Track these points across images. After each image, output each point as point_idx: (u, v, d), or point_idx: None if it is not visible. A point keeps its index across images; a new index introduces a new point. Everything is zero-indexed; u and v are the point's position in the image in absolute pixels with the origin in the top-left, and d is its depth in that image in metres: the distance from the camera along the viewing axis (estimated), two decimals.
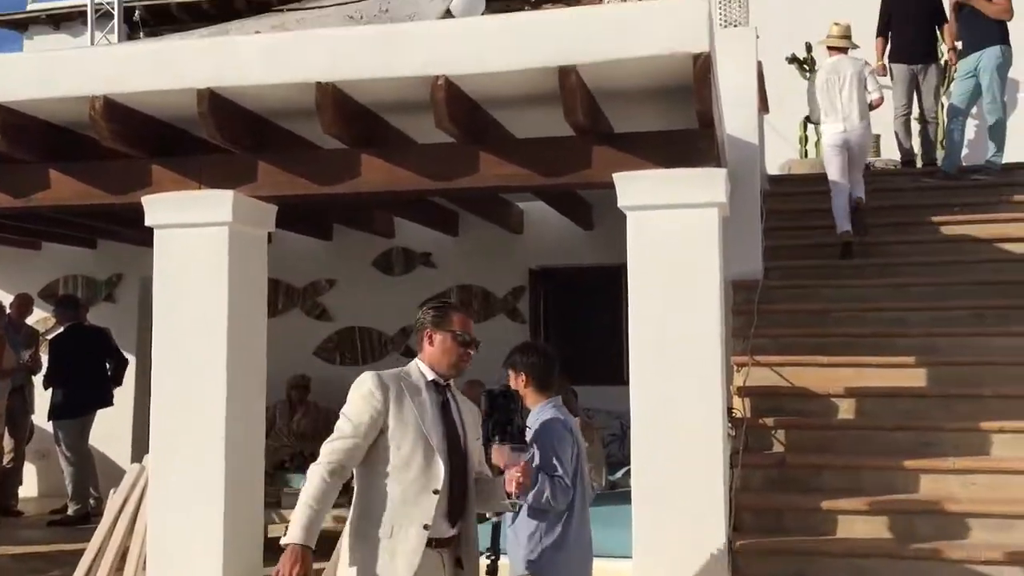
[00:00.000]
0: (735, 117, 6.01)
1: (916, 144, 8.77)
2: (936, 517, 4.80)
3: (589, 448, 5.48)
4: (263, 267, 5.27)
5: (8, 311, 7.90)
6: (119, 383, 7.91)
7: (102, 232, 8.34)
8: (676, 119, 4.57)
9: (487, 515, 3.54)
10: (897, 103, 8.54)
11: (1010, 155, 7.90)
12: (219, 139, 4.72)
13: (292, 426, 7.80)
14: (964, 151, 8.20)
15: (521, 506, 3.60)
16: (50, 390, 7.60)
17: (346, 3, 6.53)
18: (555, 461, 3.65)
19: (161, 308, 4.94)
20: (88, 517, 7.29)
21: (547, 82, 4.21)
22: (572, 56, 4.07)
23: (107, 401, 7.72)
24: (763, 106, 7.23)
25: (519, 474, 3.21)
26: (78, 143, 5.14)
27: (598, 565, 3.91)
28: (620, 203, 4.42)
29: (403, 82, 4.38)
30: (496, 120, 4.83)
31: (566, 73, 4.09)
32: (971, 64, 7.83)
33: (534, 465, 3.67)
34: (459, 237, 8.39)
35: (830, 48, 7.44)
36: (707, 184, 4.31)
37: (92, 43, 11.52)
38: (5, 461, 7.57)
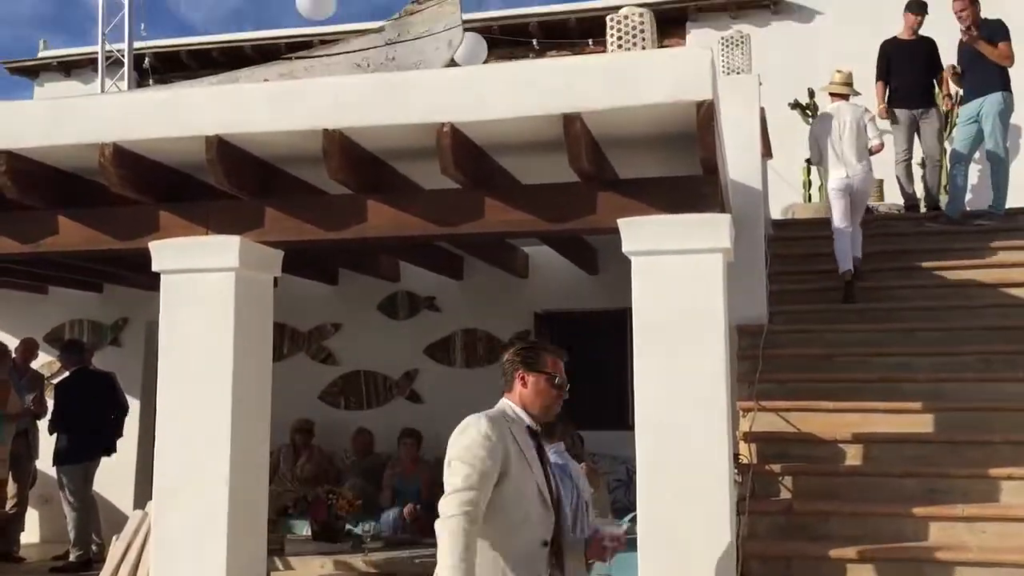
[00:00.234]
0: (739, 162, 6.07)
1: (919, 188, 8.81)
2: (946, 566, 4.74)
3: (594, 494, 5.46)
4: (269, 312, 5.28)
5: (13, 355, 7.91)
6: (119, 432, 7.86)
7: (108, 276, 8.37)
8: (680, 165, 4.61)
9: None
10: (898, 148, 8.60)
11: (1013, 200, 7.93)
12: (227, 185, 4.76)
13: (296, 471, 7.77)
14: (968, 196, 8.25)
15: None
16: (54, 435, 7.57)
17: (353, 51, 6.59)
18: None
19: (166, 353, 4.94)
20: (90, 564, 7.22)
21: (552, 129, 4.26)
22: (577, 104, 4.12)
23: (110, 448, 7.68)
24: (766, 151, 7.29)
25: (617, 544, 3.14)
26: (86, 189, 5.19)
27: None
28: (625, 248, 4.43)
29: (409, 129, 4.43)
30: (501, 166, 4.87)
31: (571, 120, 4.13)
32: (973, 110, 7.90)
33: None
34: (464, 281, 8.41)
35: (832, 94, 7.54)
36: (711, 230, 4.33)
37: (102, 90, 11.66)
38: (8, 506, 7.52)
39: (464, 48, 9.94)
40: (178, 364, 4.90)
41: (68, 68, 15.43)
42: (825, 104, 7.92)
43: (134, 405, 8.27)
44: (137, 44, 12.15)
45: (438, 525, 2.88)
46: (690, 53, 4.08)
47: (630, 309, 4.50)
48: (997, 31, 7.83)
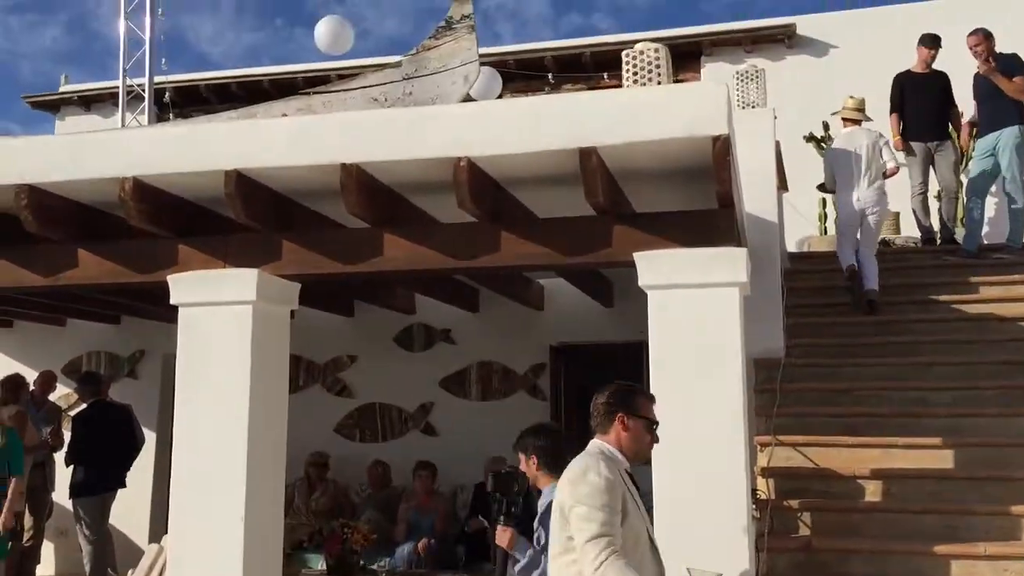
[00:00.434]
0: (754, 196, 6.08)
1: (935, 221, 8.79)
2: None
3: None
4: (286, 345, 5.30)
5: (31, 388, 7.95)
6: (128, 466, 7.85)
7: (126, 308, 8.43)
8: (696, 199, 4.61)
9: None
10: (914, 181, 8.59)
11: None
12: (245, 219, 4.79)
13: (311, 504, 7.74)
14: (985, 229, 8.21)
15: None
16: (71, 467, 7.57)
17: (371, 86, 6.65)
18: None
19: (183, 385, 4.96)
20: None
21: (568, 163, 4.28)
22: (593, 138, 4.14)
23: (123, 482, 7.67)
24: (782, 184, 7.31)
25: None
26: (106, 223, 5.24)
27: None
28: (641, 282, 4.43)
29: (426, 163, 4.45)
30: (518, 200, 4.89)
31: (587, 155, 4.15)
32: (989, 143, 7.89)
33: (539, 546, 3.64)
34: (479, 313, 8.41)
35: (845, 120, 7.62)
36: (728, 264, 4.32)
37: (123, 124, 11.80)
38: (24, 539, 7.50)
39: (479, 82, 10.02)
40: (195, 396, 4.92)
41: (89, 102, 15.62)
42: (839, 130, 7.95)
43: (150, 437, 8.29)
44: (157, 78, 12.30)
45: (601, 569, 2.81)
46: (706, 88, 4.10)
47: (646, 342, 4.49)
48: (1013, 65, 7.85)
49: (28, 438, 7.28)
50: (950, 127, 8.68)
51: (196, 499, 4.80)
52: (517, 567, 3.94)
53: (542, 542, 3.63)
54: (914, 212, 8.73)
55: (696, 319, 4.33)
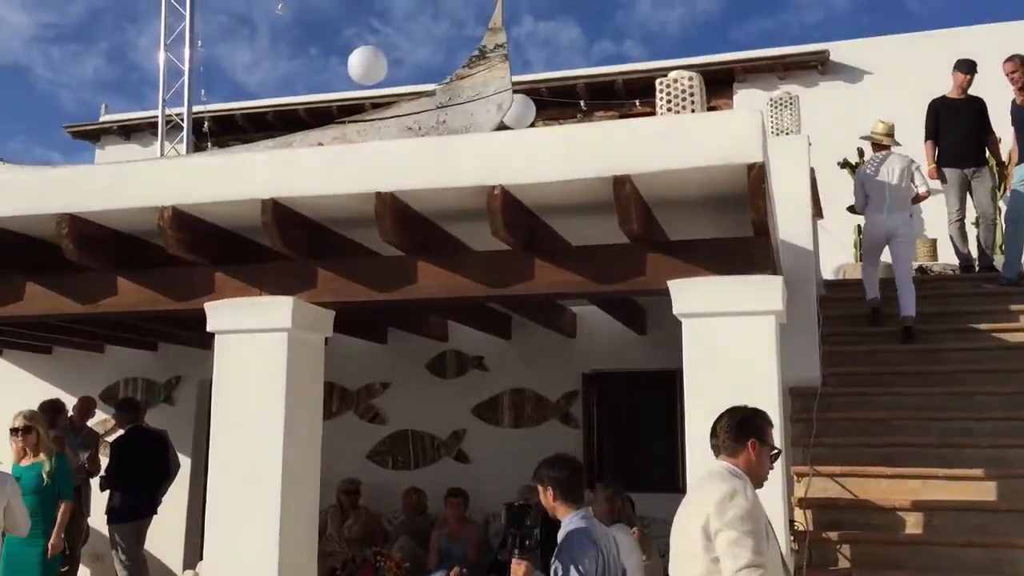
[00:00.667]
0: (789, 223, 6.04)
1: (973, 248, 8.67)
2: None
3: (647, 562, 5.37)
4: (320, 372, 5.33)
5: (70, 413, 8.03)
6: (163, 492, 7.89)
7: (162, 335, 8.52)
8: (730, 227, 4.59)
9: None
10: (950, 208, 8.50)
11: None
12: (281, 247, 4.84)
13: (344, 532, 7.72)
14: None
15: None
16: (106, 492, 7.63)
17: (405, 115, 6.72)
18: (573, 570, 3.59)
19: (219, 412, 5.00)
20: None
21: (602, 191, 4.27)
22: (627, 166, 4.14)
23: (155, 508, 7.71)
24: (817, 211, 7.25)
25: None
26: (144, 251, 5.31)
27: None
28: (676, 310, 4.41)
29: (460, 192, 4.47)
30: (551, 228, 4.90)
31: (621, 183, 4.15)
32: None
33: None
34: (512, 340, 8.41)
35: (875, 144, 7.60)
36: (764, 292, 4.29)
37: (162, 154, 11.98)
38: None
39: (513, 109, 10.08)
40: (230, 423, 4.95)
41: (128, 132, 15.93)
42: (870, 153, 7.92)
43: (185, 463, 8.34)
44: (195, 108, 12.50)
45: None
46: (740, 115, 4.09)
47: (679, 369, 4.47)
48: None
49: None
50: (987, 153, 8.59)
51: (231, 525, 4.82)
52: None
53: (559, 573, 3.59)
54: (952, 239, 8.62)
55: (731, 347, 4.30)
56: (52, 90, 44.29)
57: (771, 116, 7.10)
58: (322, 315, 5.21)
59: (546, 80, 13.92)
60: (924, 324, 7.08)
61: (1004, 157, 8.74)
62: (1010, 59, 7.90)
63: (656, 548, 5.93)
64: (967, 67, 8.42)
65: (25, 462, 6.08)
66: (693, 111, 5.19)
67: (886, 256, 7.55)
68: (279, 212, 4.69)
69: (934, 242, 10.43)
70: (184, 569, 8.29)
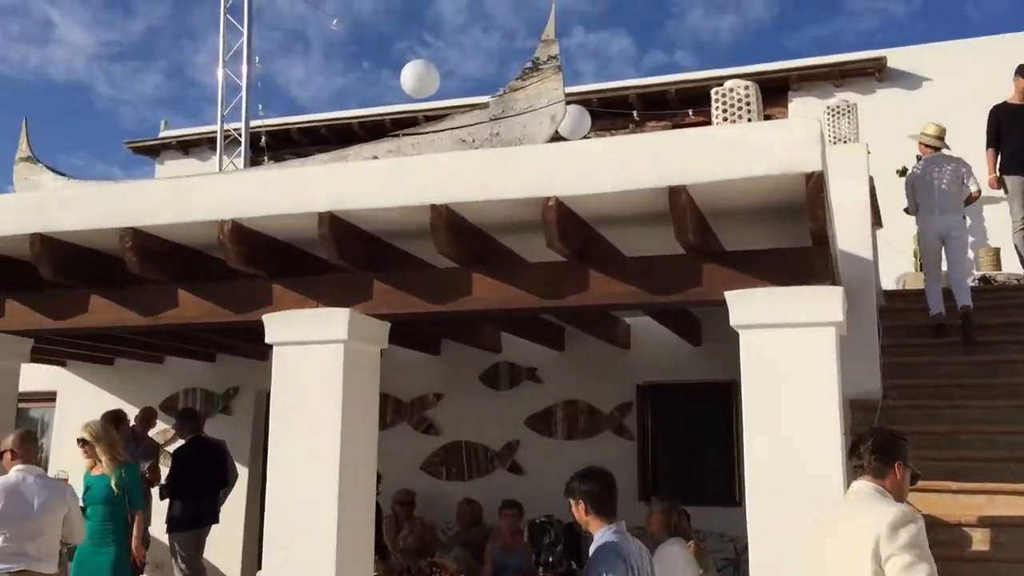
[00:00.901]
0: (848, 232, 5.95)
1: None
2: None
3: (703, 575, 5.30)
4: (376, 383, 5.36)
5: (132, 423, 8.19)
6: (222, 502, 8.02)
7: (220, 346, 8.66)
8: (788, 236, 4.53)
9: None
10: (1014, 216, 8.28)
11: None
12: (337, 259, 4.89)
13: (398, 543, 7.75)
14: None
15: None
16: (166, 501, 7.76)
17: (458, 127, 6.76)
18: None
19: (277, 422, 5.06)
20: None
21: (657, 202, 4.25)
22: (682, 177, 4.11)
23: (216, 517, 7.82)
24: (876, 220, 7.14)
25: None
26: (204, 264, 5.40)
27: None
28: (732, 321, 4.36)
29: (515, 203, 4.48)
30: (605, 239, 4.88)
31: (676, 193, 4.12)
32: None
33: None
34: (565, 352, 8.39)
35: (925, 146, 7.51)
36: (823, 302, 4.23)
37: (220, 168, 12.21)
38: None
39: (568, 120, 10.10)
40: (288, 433, 5.00)
41: (187, 147, 16.26)
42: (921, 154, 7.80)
43: (243, 473, 8.45)
44: (252, 123, 12.72)
45: None
46: (798, 124, 4.04)
47: (735, 382, 4.42)
48: None
49: None
50: None
51: (289, 535, 4.87)
52: None
53: None
54: (1016, 248, 8.40)
55: (790, 359, 4.24)
56: (113, 107, 45.42)
57: (829, 124, 7.01)
58: (378, 327, 5.25)
59: (598, 91, 13.91)
60: (988, 335, 6.90)
61: None
62: None
63: (712, 562, 5.86)
64: None
65: (95, 472, 6.21)
66: (749, 120, 5.14)
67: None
68: (335, 225, 4.74)
69: (997, 251, 10.19)
70: None
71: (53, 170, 9.11)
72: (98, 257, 5.42)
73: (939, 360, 6.80)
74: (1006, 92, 8.39)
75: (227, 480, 7.97)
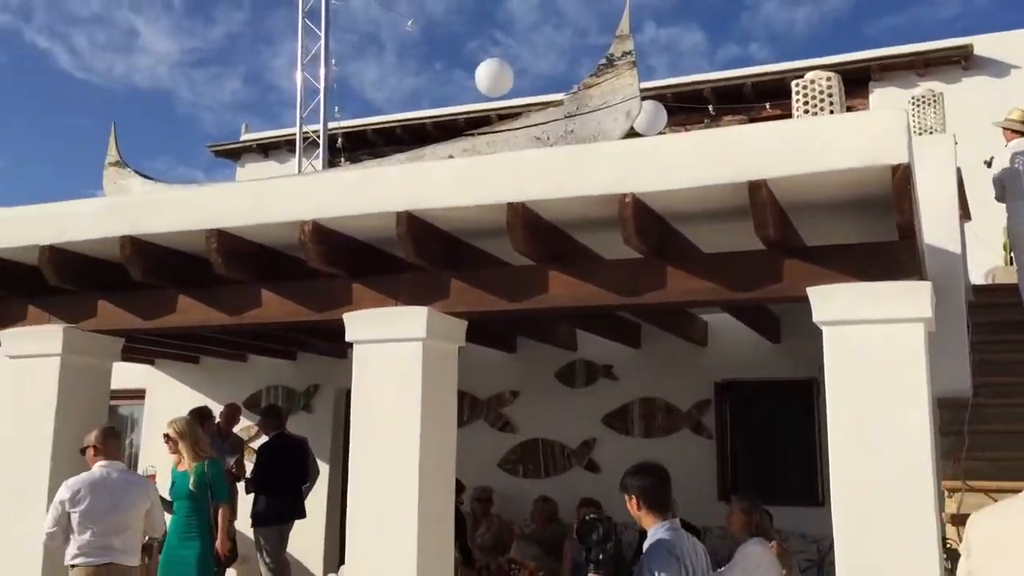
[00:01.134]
0: (936, 226, 5.79)
1: None
2: None
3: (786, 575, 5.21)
4: (454, 380, 5.40)
5: (218, 420, 8.40)
6: (304, 498, 8.13)
7: (301, 345, 8.82)
8: (872, 231, 4.42)
9: None
10: None
11: None
12: (415, 258, 4.93)
13: (476, 539, 7.80)
14: None
15: None
16: (251, 496, 7.93)
17: (533, 125, 6.77)
18: None
19: (358, 419, 5.13)
20: None
21: (736, 197, 4.19)
22: (763, 171, 4.04)
23: (303, 512, 7.96)
24: (964, 213, 6.92)
25: None
26: (286, 264, 5.51)
27: None
28: (816, 318, 4.27)
29: (591, 200, 4.46)
30: (682, 235, 4.83)
31: (756, 188, 4.05)
32: None
33: None
34: (641, 349, 8.33)
35: (1011, 131, 7.23)
36: (911, 298, 4.11)
37: (299, 170, 12.44)
38: None
39: (643, 116, 10.02)
40: (369, 430, 5.07)
41: (266, 149, 16.61)
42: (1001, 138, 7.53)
43: (324, 469, 8.60)
44: (329, 125, 12.92)
45: None
46: (884, 115, 3.93)
47: (816, 379, 4.34)
48: None
49: None
50: None
51: (370, 531, 4.93)
52: None
53: None
54: None
55: (876, 357, 4.13)
56: (194, 112, 46.69)
57: (914, 115, 6.82)
58: (456, 325, 5.28)
59: (672, 86, 13.78)
60: None
61: None
62: None
63: (795, 563, 5.75)
64: None
65: (181, 467, 6.38)
66: (832, 112, 5.03)
67: None
68: (413, 224, 4.79)
69: None
70: (324, 572, 8.55)
71: (140, 174, 9.40)
72: (185, 258, 5.57)
73: None
74: None
75: (309, 476, 8.11)
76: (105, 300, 5.94)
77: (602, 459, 8.35)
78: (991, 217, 8.53)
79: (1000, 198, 7.34)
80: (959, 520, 5.21)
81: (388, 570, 4.82)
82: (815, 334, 4.35)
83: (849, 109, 9.15)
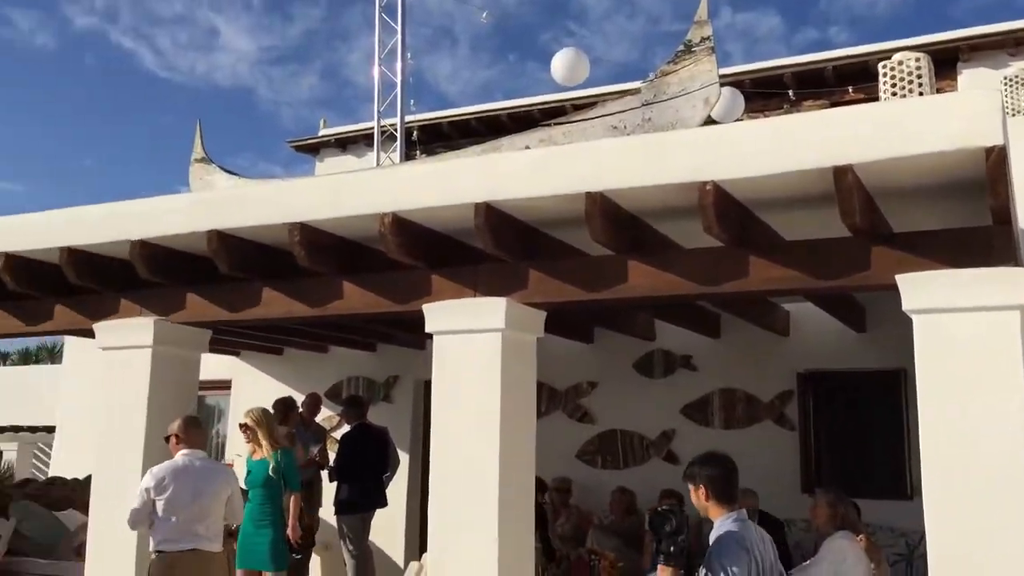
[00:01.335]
0: None
1: None
2: None
3: (875, 570, 5.10)
4: (533, 371, 5.40)
5: (300, 409, 8.57)
6: (385, 487, 8.24)
7: (381, 336, 8.94)
8: (963, 216, 4.27)
9: None
10: None
11: None
12: (493, 249, 4.95)
13: (555, 530, 7.80)
14: None
15: None
16: (334, 484, 8.08)
17: (609, 114, 6.72)
18: None
19: (439, 410, 5.17)
20: None
21: (819, 183, 4.09)
22: (849, 155, 3.93)
23: (384, 501, 8.07)
24: None
25: None
26: (366, 256, 5.58)
27: None
28: (905, 306, 4.15)
29: (671, 188, 4.41)
30: (764, 223, 4.74)
31: (842, 173, 3.95)
32: None
33: None
34: (721, 339, 8.22)
35: None
36: (1007, 284, 3.96)
37: (378, 163, 12.59)
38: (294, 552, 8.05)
39: (720, 103, 9.86)
40: (449, 421, 5.11)
41: (344, 144, 16.83)
42: None
43: (404, 459, 8.70)
44: (406, 118, 13.04)
45: None
46: (975, 95, 3.79)
47: (905, 369, 4.21)
48: None
49: (298, 458, 7.84)
50: None
51: (452, 520, 4.98)
52: None
53: None
54: None
55: (971, 346, 3.99)
56: (273, 109, 47.70)
57: (1006, 95, 6.57)
58: (534, 315, 5.29)
59: (749, 72, 13.51)
60: None
61: None
62: None
63: (884, 557, 5.62)
64: None
65: (256, 456, 6.53)
66: (921, 94, 4.87)
67: None
68: (491, 215, 4.79)
69: None
70: (405, 559, 8.66)
71: (225, 170, 9.64)
72: (269, 251, 5.68)
73: None
74: None
75: (389, 465, 8.22)
76: (193, 293, 6.11)
77: (681, 450, 8.27)
78: None
79: None
80: None
81: (470, 559, 4.86)
82: (903, 323, 4.23)
83: (938, 91, 8.87)
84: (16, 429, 16.38)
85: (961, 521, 3.87)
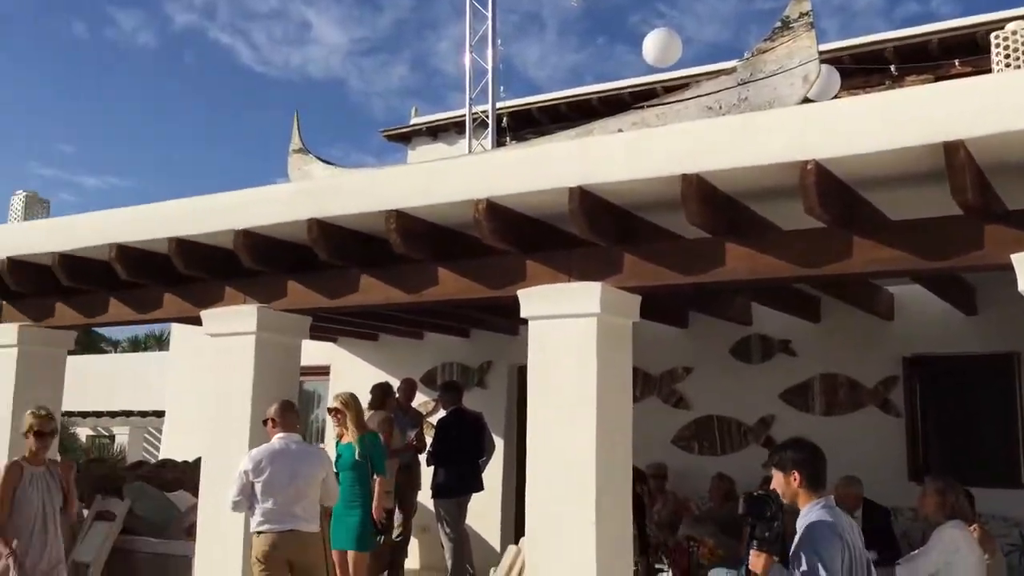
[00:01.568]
0: None
1: None
2: None
3: (989, 560, 4.91)
4: (628, 356, 5.37)
5: (397, 395, 8.71)
6: (481, 471, 8.29)
7: (474, 322, 9.00)
8: None
9: None
10: None
11: None
12: (587, 234, 4.92)
13: (653, 516, 7.75)
14: None
15: None
16: (431, 468, 8.18)
17: (704, 95, 6.60)
18: (820, 567, 3.33)
19: (535, 395, 5.18)
20: None
21: (927, 160, 3.95)
22: (960, 131, 3.78)
23: (480, 485, 8.15)
24: None
25: None
26: (459, 242, 5.61)
27: None
28: (1021, 287, 3.97)
29: (769, 169, 4.30)
30: (869, 202, 4.59)
31: (953, 149, 3.80)
32: None
33: (800, 572, 3.36)
34: (821, 323, 8.02)
35: None
36: None
37: (470, 150, 12.66)
38: (395, 534, 8.21)
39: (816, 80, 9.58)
40: (546, 406, 5.12)
41: (435, 132, 16.95)
42: None
43: (499, 444, 8.76)
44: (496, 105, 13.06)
45: None
46: None
47: (1017, 353, 4.03)
48: None
49: (394, 441, 7.98)
50: None
51: (550, 506, 4.99)
52: None
53: (802, 567, 3.36)
54: None
55: None
56: (364, 100, 48.44)
57: None
58: (629, 300, 5.24)
59: (848, 48, 13.07)
60: None
61: None
62: None
63: (999, 547, 5.40)
64: None
65: (345, 440, 6.66)
66: None
67: None
68: (585, 199, 4.77)
69: None
70: (501, 543, 8.73)
71: (321, 160, 9.82)
72: (366, 239, 5.77)
73: None
74: None
75: (485, 450, 8.29)
76: (294, 280, 6.25)
77: (780, 436, 8.06)
78: None
79: None
80: None
81: (567, 544, 4.86)
82: (1018, 305, 4.05)
83: None
84: (127, 414, 17.12)
85: None
